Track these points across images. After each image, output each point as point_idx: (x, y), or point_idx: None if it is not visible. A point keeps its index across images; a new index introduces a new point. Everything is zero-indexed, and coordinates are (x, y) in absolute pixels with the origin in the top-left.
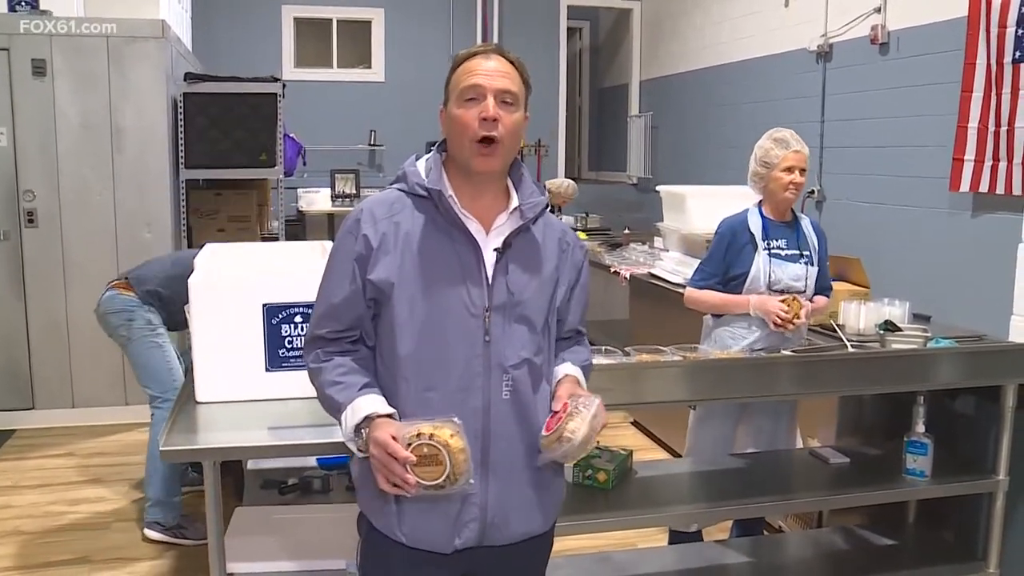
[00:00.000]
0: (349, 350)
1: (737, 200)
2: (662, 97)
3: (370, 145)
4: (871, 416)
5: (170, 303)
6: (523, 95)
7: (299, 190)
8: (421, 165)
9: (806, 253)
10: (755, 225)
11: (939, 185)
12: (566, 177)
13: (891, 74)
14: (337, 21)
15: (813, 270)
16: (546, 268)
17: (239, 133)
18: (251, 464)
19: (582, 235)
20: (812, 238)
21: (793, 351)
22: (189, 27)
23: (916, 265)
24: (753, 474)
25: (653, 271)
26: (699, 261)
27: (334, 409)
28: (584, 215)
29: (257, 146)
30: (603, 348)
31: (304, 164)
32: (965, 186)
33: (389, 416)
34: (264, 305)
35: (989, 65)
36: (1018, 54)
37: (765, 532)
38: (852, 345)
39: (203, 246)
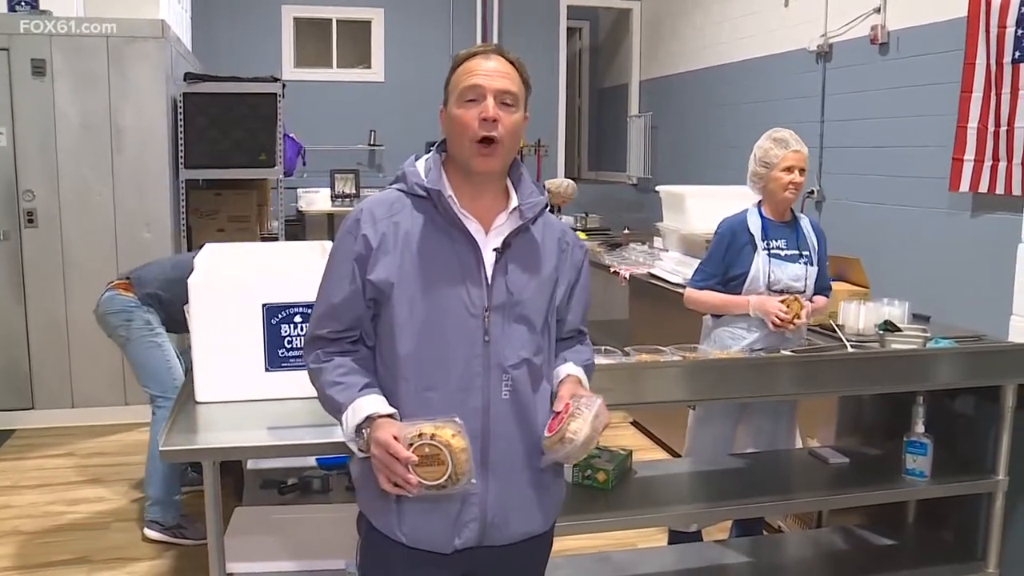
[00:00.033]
0: (349, 350)
1: (737, 200)
2: (662, 97)
3: (370, 145)
4: (871, 416)
5: (169, 305)
6: (523, 95)
7: (299, 190)
8: (420, 165)
9: (805, 253)
10: (755, 225)
11: (939, 185)
12: (566, 177)
13: (891, 74)
14: (337, 21)
15: (813, 270)
16: (545, 268)
17: (239, 133)
18: (251, 464)
19: (582, 235)
20: (812, 238)
21: (793, 351)
22: (189, 27)
23: (916, 265)
24: (753, 474)
25: (653, 271)
26: (699, 261)
27: (335, 409)
28: (584, 215)
29: (257, 146)
30: (603, 348)
31: (304, 164)
32: (965, 186)
33: (390, 416)
34: (264, 305)
35: (989, 65)
36: (1018, 54)
37: (765, 532)
38: (852, 345)
39: (203, 246)
